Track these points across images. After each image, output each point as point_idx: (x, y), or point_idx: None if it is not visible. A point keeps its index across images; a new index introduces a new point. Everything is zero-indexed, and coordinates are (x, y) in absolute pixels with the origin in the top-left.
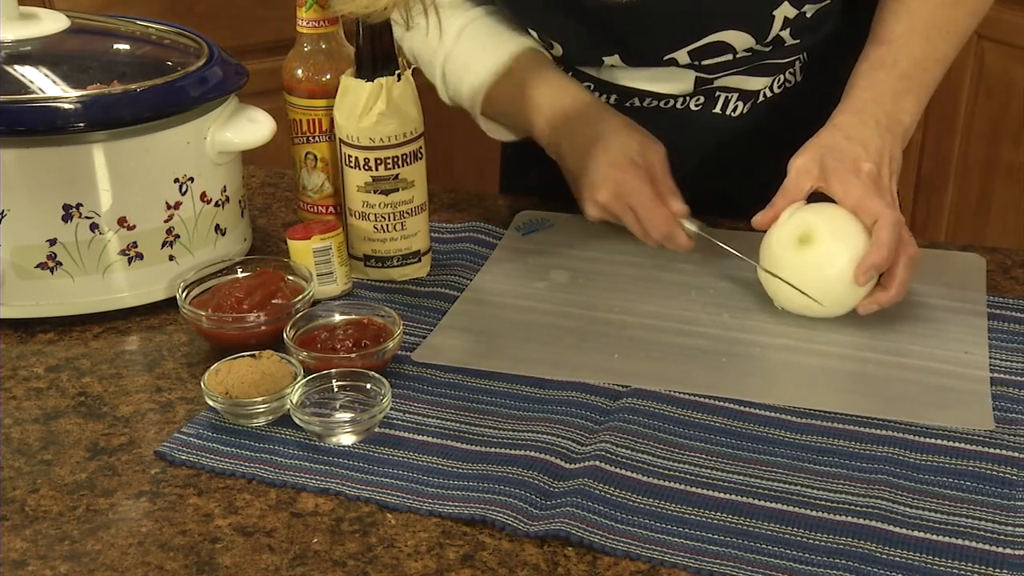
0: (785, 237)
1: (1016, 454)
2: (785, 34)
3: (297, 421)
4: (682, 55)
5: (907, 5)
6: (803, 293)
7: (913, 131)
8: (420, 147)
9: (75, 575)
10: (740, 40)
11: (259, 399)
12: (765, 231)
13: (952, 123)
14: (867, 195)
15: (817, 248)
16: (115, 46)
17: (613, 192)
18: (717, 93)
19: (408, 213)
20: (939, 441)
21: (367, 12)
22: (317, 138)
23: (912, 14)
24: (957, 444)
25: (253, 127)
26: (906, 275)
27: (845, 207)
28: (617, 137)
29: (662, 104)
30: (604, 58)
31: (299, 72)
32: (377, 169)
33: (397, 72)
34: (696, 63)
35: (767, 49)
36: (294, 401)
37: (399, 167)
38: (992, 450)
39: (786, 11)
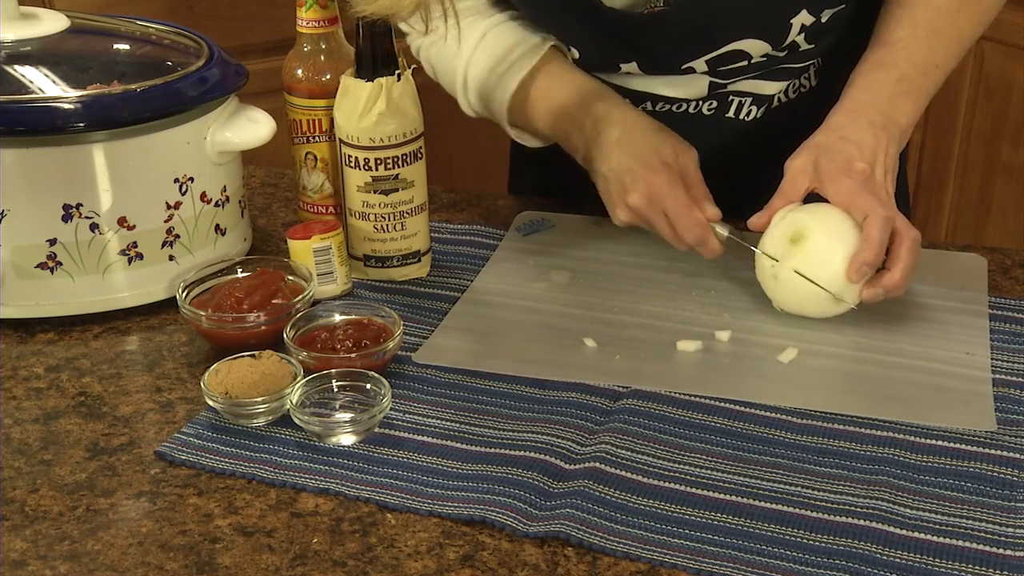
0: (778, 238)
1: (1017, 455)
2: (800, 39)
3: (297, 421)
4: (700, 64)
5: (910, 10)
6: (815, 284)
7: (910, 133)
8: (420, 147)
9: (75, 575)
10: (757, 48)
11: (259, 399)
12: (762, 232)
13: (952, 123)
14: (858, 193)
15: (809, 247)
16: (115, 46)
17: (647, 195)
18: (731, 97)
19: (408, 213)
20: (940, 442)
21: (390, 13)
22: (317, 138)
23: (915, 19)
24: (958, 445)
25: (253, 127)
26: (909, 258)
27: (837, 206)
28: (648, 138)
29: (675, 108)
30: (621, 65)
31: (299, 72)
32: (377, 169)
33: (397, 72)
34: (712, 70)
35: (782, 54)
36: (294, 401)
37: (399, 167)
38: (993, 451)
39: (803, 19)
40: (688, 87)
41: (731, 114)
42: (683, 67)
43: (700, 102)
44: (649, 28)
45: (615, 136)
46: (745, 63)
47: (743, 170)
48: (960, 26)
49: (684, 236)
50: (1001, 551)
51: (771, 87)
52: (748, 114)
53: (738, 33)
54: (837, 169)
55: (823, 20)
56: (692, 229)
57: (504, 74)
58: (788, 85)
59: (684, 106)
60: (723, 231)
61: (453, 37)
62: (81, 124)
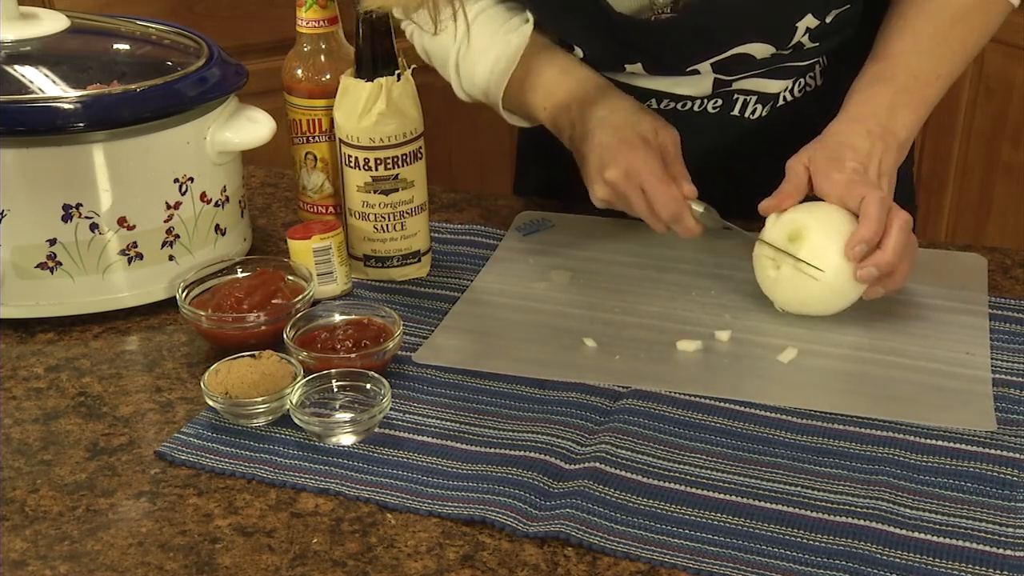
0: (776, 237)
1: (1017, 455)
2: (805, 39)
3: (297, 421)
4: (705, 66)
5: (911, 23)
6: (809, 264)
7: (911, 143)
8: (420, 147)
9: (75, 575)
10: (762, 50)
11: (259, 399)
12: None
13: (952, 123)
14: (850, 183)
15: (808, 245)
16: (115, 46)
17: (623, 170)
18: (735, 96)
19: (408, 213)
20: (940, 442)
21: (398, 6)
22: (317, 138)
23: (916, 31)
24: (958, 445)
25: (253, 127)
26: (900, 236)
27: (832, 200)
28: (629, 117)
29: (679, 107)
30: (626, 66)
31: (299, 72)
32: (377, 169)
33: (397, 72)
34: (717, 70)
35: (787, 52)
36: (294, 401)
37: (399, 167)
38: (993, 451)
39: (809, 22)
40: (693, 85)
41: (736, 112)
42: (688, 69)
43: (705, 100)
44: (655, 33)
45: (597, 117)
46: (750, 63)
47: (748, 169)
48: (964, 36)
49: (660, 212)
50: (1001, 551)
51: (776, 85)
52: (753, 112)
53: (744, 37)
54: (829, 167)
55: (828, 21)
56: (668, 205)
57: (493, 67)
58: (793, 84)
59: (689, 104)
60: (699, 208)
61: (447, 32)
62: (81, 124)
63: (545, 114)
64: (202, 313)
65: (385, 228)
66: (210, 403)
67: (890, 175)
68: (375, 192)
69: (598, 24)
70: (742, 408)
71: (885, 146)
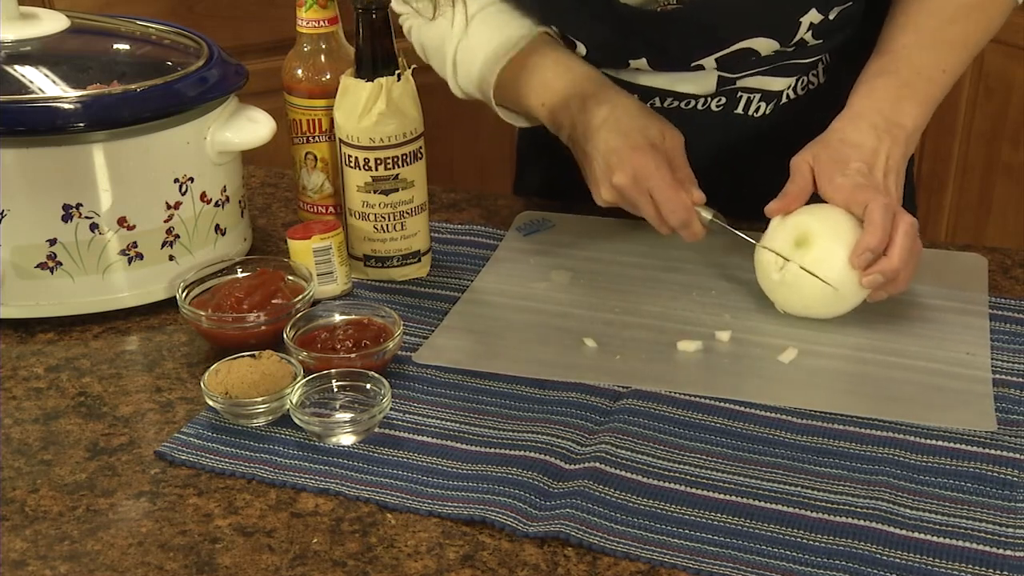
0: (782, 241)
1: (1017, 455)
2: (808, 36)
3: (297, 421)
4: (709, 61)
5: (913, 19)
6: (817, 277)
7: (919, 136)
8: (420, 147)
9: (75, 575)
10: (766, 45)
11: (259, 399)
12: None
13: (952, 123)
14: (855, 188)
15: (815, 249)
16: (115, 46)
17: (631, 175)
18: (739, 94)
19: (408, 213)
20: (940, 442)
21: None
22: (317, 138)
23: (918, 27)
24: (958, 445)
25: (253, 127)
26: (905, 241)
27: (836, 205)
28: (636, 119)
29: (683, 105)
30: (631, 61)
31: (299, 72)
32: (377, 169)
33: (397, 72)
34: (721, 66)
35: (790, 50)
36: (294, 401)
37: (399, 167)
38: (993, 451)
39: (812, 17)
40: (697, 83)
41: (740, 110)
42: (693, 64)
43: (709, 99)
44: (661, 25)
45: (602, 116)
46: (753, 59)
47: (752, 167)
48: (967, 32)
49: (668, 218)
50: (1001, 551)
51: (779, 83)
52: (757, 111)
53: (748, 32)
54: (833, 169)
55: (831, 18)
56: (677, 210)
57: (491, 55)
58: (796, 81)
59: (693, 102)
60: (707, 215)
61: (445, 20)
62: (81, 124)
63: (543, 110)
64: (202, 313)
65: (385, 228)
66: (210, 403)
67: (898, 171)
68: (375, 192)
69: (603, 16)
70: (742, 408)
71: (892, 140)
